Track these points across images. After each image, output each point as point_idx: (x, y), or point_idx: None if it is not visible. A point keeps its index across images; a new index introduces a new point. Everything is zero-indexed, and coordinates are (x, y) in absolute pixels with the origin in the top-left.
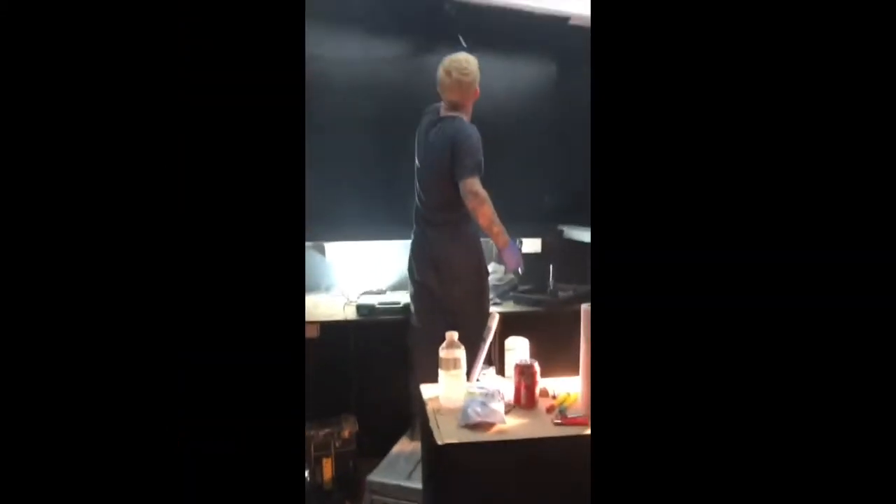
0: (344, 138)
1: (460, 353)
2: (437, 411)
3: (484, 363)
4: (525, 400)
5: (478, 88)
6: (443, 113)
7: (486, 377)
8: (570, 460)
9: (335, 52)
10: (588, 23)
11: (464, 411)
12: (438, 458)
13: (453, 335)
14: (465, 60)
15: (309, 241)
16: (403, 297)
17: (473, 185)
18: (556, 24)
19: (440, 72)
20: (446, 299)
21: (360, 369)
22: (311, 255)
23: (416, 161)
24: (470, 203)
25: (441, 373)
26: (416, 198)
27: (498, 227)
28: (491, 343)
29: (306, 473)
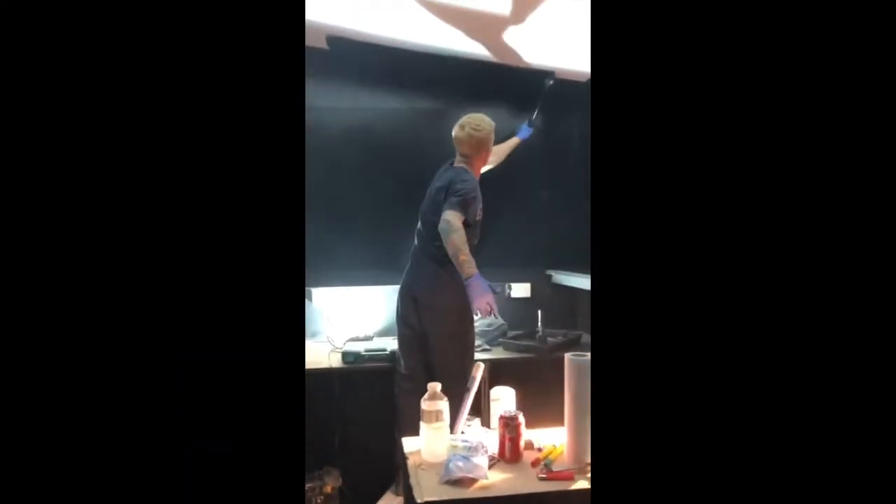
0: (334, 185)
1: (443, 405)
2: (419, 466)
3: (469, 414)
4: (509, 453)
5: (490, 148)
6: (455, 163)
7: (471, 429)
8: None
9: (328, 102)
10: (572, 77)
11: (446, 466)
12: None
13: (436, 386)
14: (480, 118)
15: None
16: (391, 344)
17: (450, 215)
18: (541, 77)
19: (456, 126)
20: (428, 338)
21: (344, 420)
22: None
23: (429, 197)
24: (441, 228)
25: (423, 425)
26: (416, 236)
27: (464, 257)
28: (477, 392)
29: None
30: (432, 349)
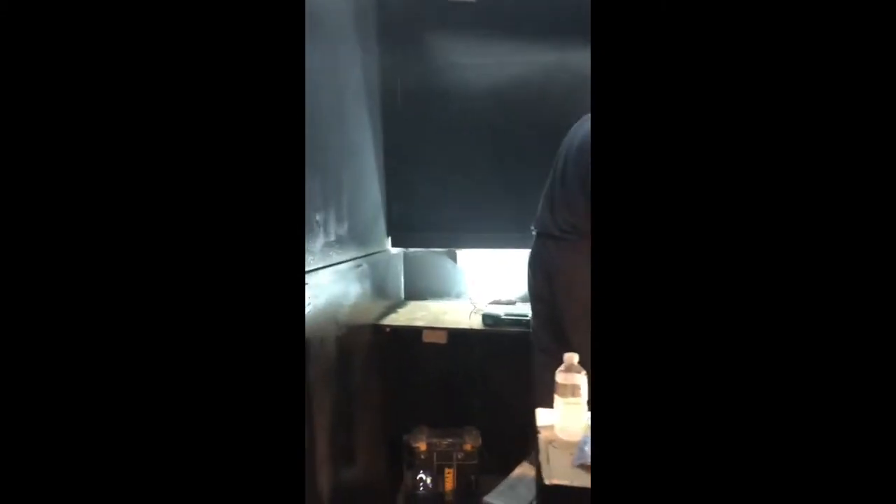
0: (481, 145)
1: (581, 380)
2: (551, 443)
3: None
4: None
5: None
6: None
7: None
8: None
9: (475, 58)
10: None
11: (580, 448)
12: (546, 499)
13: (573, 357)
14: None
15: (441, 247)
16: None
17: None
18: None
19: None
20: (562, 313)
21: (484, 381)
22: (442, 262)
23: (557, 168)
24: None
25: (557, 399)
26: (545, 208)
27: None
28: None
29: (428, 481)
30: (565, 326)
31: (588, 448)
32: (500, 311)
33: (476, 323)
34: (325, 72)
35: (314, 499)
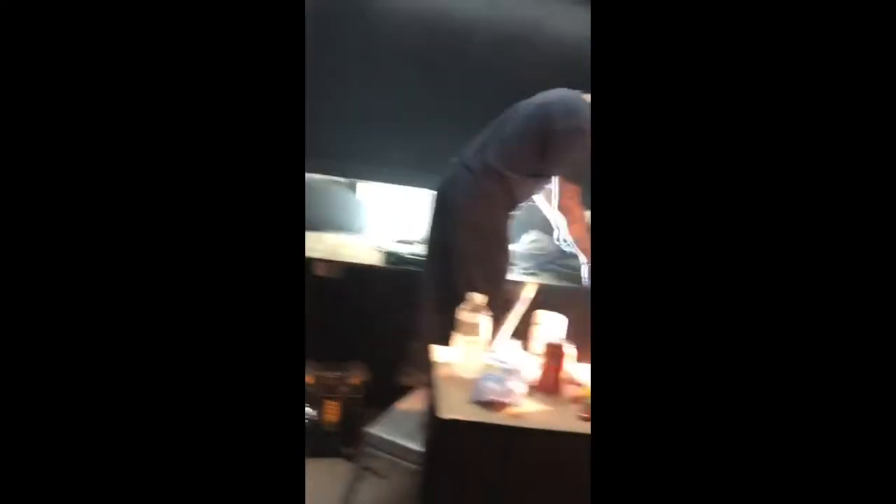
0: (398, 74)
1: (483, 319)
2: (448, 379)
3: (513, 338)
4: (550, 384)
5: None
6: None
7: (509, 351)
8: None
9: None
10: None
11: (477, 385)
12: (439, 433)
13: (476, 296)
14: None
15: (341, 176)
16: None
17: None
18: None
19: None
20: (452, 248)
21: (378, 318)
22: (341, 193)
23: (508, 115)
24: (568, 205)
25: (458, 337)
26: (477, 143)
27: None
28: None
29: (313, 413)
30: (454, 259)
31: (487, 384)
32: (404, 249)
33: (376, 260)
34: None
35: None
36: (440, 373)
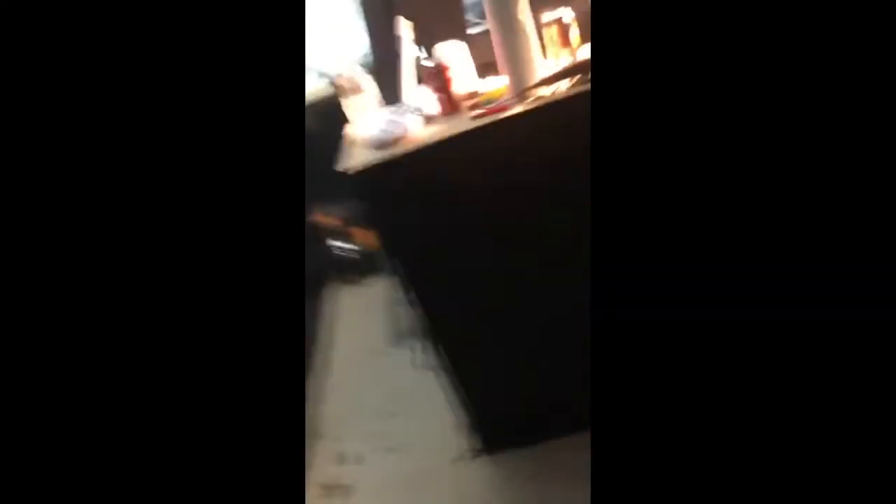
0: None
1: (365, 78)
2: (349, 142)
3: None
4: (443, 106)
5: None
6: None
7: (417, 94)
8: (491, 147)
9: None
10: None
11: (371, 133)
12: (356, 185)
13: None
14: None
15: None
16: None
17: None
18: None
19: None
20: None
21: None
22: None
23: None
24: None
25: (343, 102)
26: None
27: None
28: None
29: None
30: None
31: (374, 129)
32: None
33: None
34: None
35: None
36: (345, 140)
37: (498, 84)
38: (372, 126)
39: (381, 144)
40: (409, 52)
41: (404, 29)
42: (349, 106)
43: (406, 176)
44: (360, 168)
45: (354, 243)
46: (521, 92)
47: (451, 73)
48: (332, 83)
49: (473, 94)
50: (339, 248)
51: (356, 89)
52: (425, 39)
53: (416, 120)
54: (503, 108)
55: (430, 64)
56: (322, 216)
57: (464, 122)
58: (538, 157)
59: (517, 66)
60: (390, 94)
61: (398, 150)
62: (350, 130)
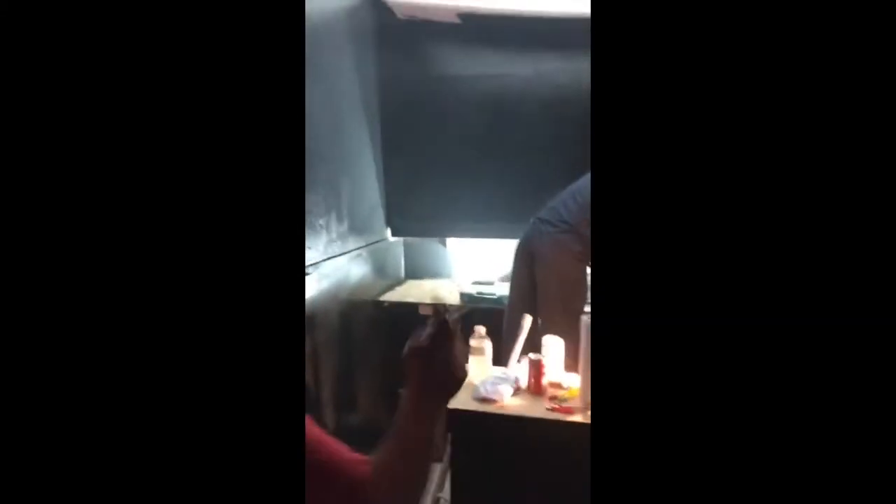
0: (467, 148)
1: (486, 344)
2: (463, 387)
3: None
4: (532, 388)
5: None
6: None
7: (517, 366)
8: (555, 440)
9: (462, 69)
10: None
11: (476, 387)
12: (450, 418)
13: (481, 329)
14: None
15: (434, 236)
16: (502, 290)
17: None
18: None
19: None
20: (534, 291)
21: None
22: (435, 247)
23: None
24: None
25: (470, 357)
26: (554, 202)
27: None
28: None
29: None
30: (539, 300)
31: (481, 387)
32: (475, 289)
33: (456, 299)
34: (321, 85)
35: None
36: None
37: (574, 384)
38: (480, 385)
39: (481, 399)
40: (523, 336)
41: (527, 321)
42: (472, 363)
43: (488, 429)
44: (459, 408)
45: None
46: (586, 405)
47: (546, 362)
48: (469, 346)
49: (556, 385)
50: None
51: (481, 351)
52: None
53: (510, 390)
54: (569, 411)
55: (535, 357)
56: None
57: (540, 407)
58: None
59: (588, 384)
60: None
61: (489, 409)
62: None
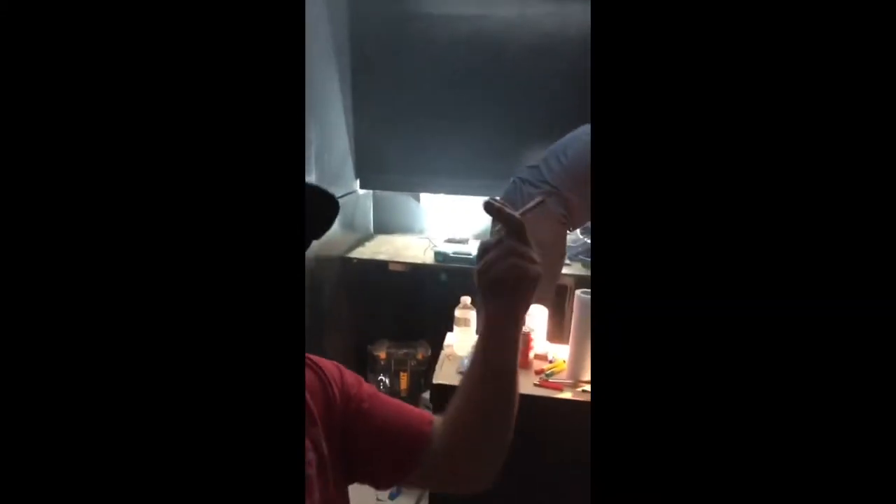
0: (443, 95)
1: (471, 314)
2: (448, 357)
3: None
4: (520, 363)
5: None
6: None
7: None
8: (540, 417)
9: (439, 8)
10: None
11: (462, 360)
12: (433, 392)
13: (467, 299)
14: None
15: (406, 191)
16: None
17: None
18: None
19: None
20: None
21: (435, 306)
22: (407, 201)
23: (566, 139)
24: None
25: (455, 328)
26: (538, 162)
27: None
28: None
29: (387, 382)
30: None
31: (465, 360)
32: (450, 249)
33: (429, 258)
34: None
35: None
36: (445, 353)
37: (560, 355)
38: (467, 357)
39: None
40: None
41: None
42: (458, 334)
43: None
44: (443, 383)
45: (397, 386)
46: (575, 382)
47: (534, 336)
48: (455, 316)
49: (542, 357)
50: (381, 382)
51: (466, 322)
52: None
53: None
54: (559, 388)
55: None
56: (383, 352)
57: (528, 383)
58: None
59: (579, 361)
60: None
61: None
62: (451, 349)
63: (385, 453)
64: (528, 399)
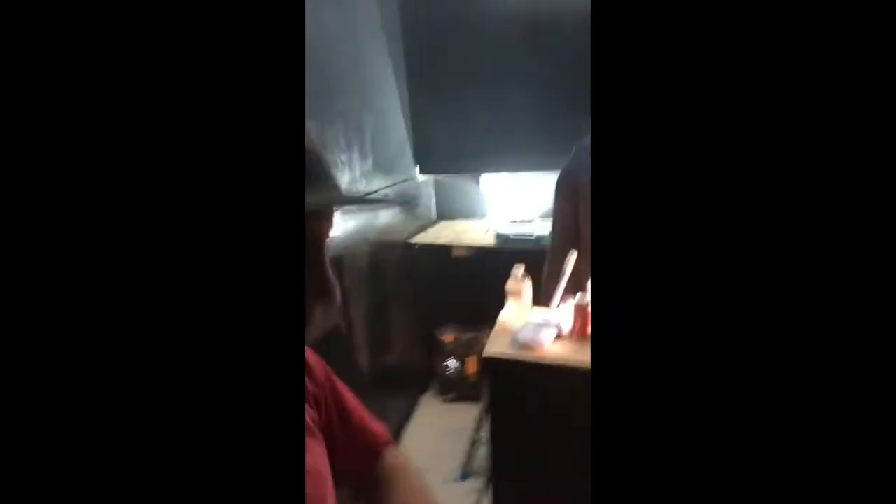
0: (499, 74)
1: (525, 286)
2: (500, 330)
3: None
4: (577, 334)
5: None
6: None
7: (560, 309)
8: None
9: None
10: None
11: (515, 333)
12: (485, 365)
13: (520, 268)
14: None
15: (466, 172)
16: (541, 230)
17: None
18: None
19: None
20: (580, 226)
21: (498, 289)
22: (468, 185)
23: None
24: None
25: (509, 300)
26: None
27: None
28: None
29: (453, 366)
30: (583, 235)
31: (520, 334)
32: (510, 230)
33: (490, 241)
34: (339, 10)
35: (357, 376)
36: (498, 327)
37: None
38: (520, 330)
39: (521, 347)
40: (566, 276)
41: (572, 257)
42: (510, 306)
43: (528, 377)
44: (495, 356)
45: (464, 370)
46: None
47: (591, 310)
48: (506, 290)
49: None
50: (448, 367)
51: (518, 294)
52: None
53: (552, 336)
54: None
55: (582, 301)
56: (450, 336)
57: (584, 356)
58: None
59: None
60: (544, 297)
61: (529, 357)
62: (503, 323)
63: (352, 441)
64: (584, 373)
